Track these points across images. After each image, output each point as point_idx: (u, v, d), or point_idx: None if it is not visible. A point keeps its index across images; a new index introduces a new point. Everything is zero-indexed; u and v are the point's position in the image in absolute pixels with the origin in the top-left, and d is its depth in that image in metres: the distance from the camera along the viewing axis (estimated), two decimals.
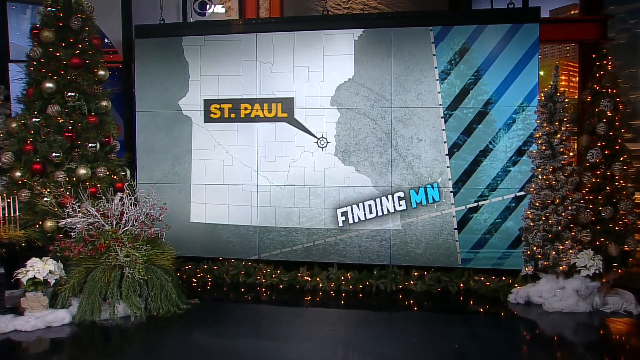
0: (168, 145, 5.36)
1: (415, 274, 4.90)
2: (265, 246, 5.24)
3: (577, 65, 5.71)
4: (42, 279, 3.93)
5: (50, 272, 3.98)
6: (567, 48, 6.01)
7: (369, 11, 6.04)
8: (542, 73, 5.35)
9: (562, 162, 4.37)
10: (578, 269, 4.20)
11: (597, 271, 4.16)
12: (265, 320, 4.37)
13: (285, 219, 5.19)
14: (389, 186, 5.02)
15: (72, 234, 4.28)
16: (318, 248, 5.15)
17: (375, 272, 4.95)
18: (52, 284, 4.01)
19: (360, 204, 5.06)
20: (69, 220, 4.24)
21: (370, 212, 5.04)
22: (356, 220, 5.07)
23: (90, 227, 4.28)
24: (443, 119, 4.91)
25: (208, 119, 5.30)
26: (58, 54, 4.58)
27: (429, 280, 4.83)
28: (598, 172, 4.47)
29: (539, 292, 4.37)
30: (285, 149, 5.18)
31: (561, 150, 4.37)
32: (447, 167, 4.92)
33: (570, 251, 4.26)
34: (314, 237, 5.15)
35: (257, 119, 5.21)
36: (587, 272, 4.16)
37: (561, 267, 4.27)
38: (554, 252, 4.29)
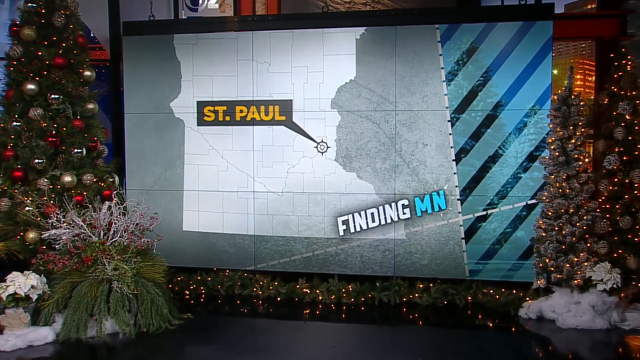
0: (159, 149, 5.23)
1: (420, 286, 4.78)
2: (262, 256, 5.12)
3: (594, 63, 5.58)
4: (23, 294, 3.80)
5: (32, 287, 3.85)
6: (583, 45, 5.86)
7: (375, 6, 5.91)
8: (555, 72, 5.21)
9: (577, 169, 4.23)
10: (594, 282, 4.07)
11: (615, 285, 4.03)
12: (262, 334, 4.28)
13: (283, 227, 5.07)
14: (393, 193, 4.89)
15: (56, 246, 4.15)
16: (318, 258, 5.03)
17: (378, 284, 4.83)
18: (34, 299, 3.89)
19: (362, 212, 4.93)
20: (53, 231, 4.11)
21: (373, 221, 4.92)
22: (358, 229, 4.95)
23: (76, 238, 4.15)
24: (450, 123, 4.77)
25: (201, 121, 5.16)
26: (40, 53, 4.42)
27: (435, 293, 4.71)
28: (616, 180, 4.34)
29: (552, 307, 4.25)
30: (283, 154, 5.04)
31: (576, 156, 4.23)
32: (454, 173, 4.79)
33: (586, 264, 4.14)
34: (314, 246, 5.03)
35: (253, 122, 5.08)
36: (604, 287, 4.04)
37: (576, 281, 4.15)
38: (567, 265, 4.16)
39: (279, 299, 4.85)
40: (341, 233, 4.98)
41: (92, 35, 5.62)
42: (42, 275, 3.99)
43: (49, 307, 3.90)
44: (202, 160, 5.17)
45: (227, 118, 5.11)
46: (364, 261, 4.96)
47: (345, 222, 4.97)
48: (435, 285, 4.76)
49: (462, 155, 4.77)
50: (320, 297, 4.77)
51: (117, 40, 5.40)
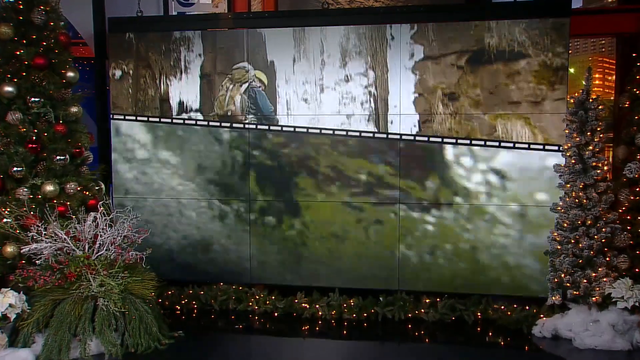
0: (149, 154, 5.08)
1: (427, 300, 4.66)
2: (259, 268, 4.99)
3: (614, 62, 5.41)
4: (0, 313, 3.68)
5: (10, 305, 3.73)
6: (603, 42, 5.71)
7: (385, 2, 5.77)
8: (572, 70, 5.05)
9: (595, 177, 4.08)
10: (614, 300, 3.94)
11: (637, 303, 3.88)
12: (258, 352, 4.20)
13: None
14: (397, 202, 4.74)
15: (36, 261, 4.02)
16: (317, 270, 4.90)
17: (381, 299, 4.71)
18: (12, 319, 3.75)
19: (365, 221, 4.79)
20: (34, 245, 3.98)
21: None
22: None
23: (59, 252, 4.02)
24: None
25: (194, 124, 5.01)
26: (18, 53, 4.27)
27: (442, 308, 4.59)
28: (637, 189, 4.19)
29: (569, 325, 4.12)
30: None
31: (594, 164, 4.09)
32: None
33: (605, 279, 4.00)
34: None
35: (248, 126, 4.93)
36: (625, 304, 3.90)
37: (594, 298, 4.02)
38: (585, 281, 4.03)
39: (276, 314, 4.74)
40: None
41: (73, 26, 5.47)
42: (21, 292, 3.87)
43: (29, 327, 3.77)
44: (194, 166, 5.03)
45: (222, 122, 4.96)
46: (366, 274, 4.84)
47: None
48: (442, 300, 4.64)
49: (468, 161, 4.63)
50: (320, 313, 4.66)
51: (102, 37, 5.26)
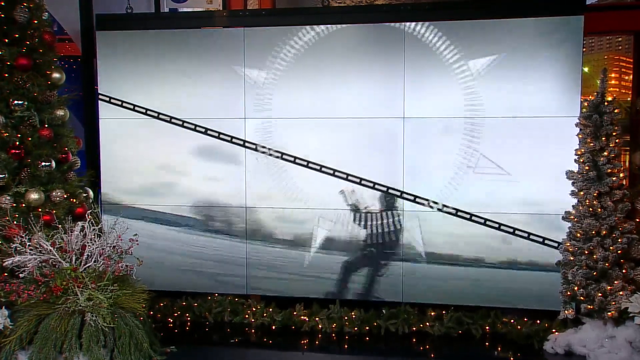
0: (139, 160, 5.00)
1: (432, 313, 4.58)
2: (256, 279, 4.93)
3: (631, 60, 5.30)
4: None
5: None
6: (619, 39, 5.60)
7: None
8: (586, 69, 4.95)
9: (610, 185, 4.00)
10: (631, 315, 3.85)
11: None
12: None
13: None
14: (401, 210, 4.68)
15: (20, 274, 3.92)
16: (318, 281, 4.83)
17: (384, 311, 4.64)
18: None
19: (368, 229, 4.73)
20: (17, 258, 3.87)
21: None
22: None
23: (44, 264, 3.93)
24: (464, 131, 4.54)
25: (187, 128, 4.93)
26: (0, 53, 4.16)
27: (448, 322, 4.51)
28: None
29: (583, 341, 4.04)
30: (278, 162, 4.84)
31: (609, 170, 3.99)
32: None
33: (621, 293, 3.91)
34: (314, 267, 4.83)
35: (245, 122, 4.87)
36: None
37: (609, 313, 3.93)
38: (600, 294, 3.95)
39: (273, 327, 4.68)
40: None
41: (58, 21, 5.37)
42: (4, 307, 3.81)
43: (11, 344, 3.70)
44: (188, 172, 4.96)
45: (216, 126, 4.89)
46: (368, 285, 4.77)
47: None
48: (448, 313, 4.56)
49: (476, 167, 4.53)
50: (319, 326, 4.60)
51: (89, 35, 5.15)
